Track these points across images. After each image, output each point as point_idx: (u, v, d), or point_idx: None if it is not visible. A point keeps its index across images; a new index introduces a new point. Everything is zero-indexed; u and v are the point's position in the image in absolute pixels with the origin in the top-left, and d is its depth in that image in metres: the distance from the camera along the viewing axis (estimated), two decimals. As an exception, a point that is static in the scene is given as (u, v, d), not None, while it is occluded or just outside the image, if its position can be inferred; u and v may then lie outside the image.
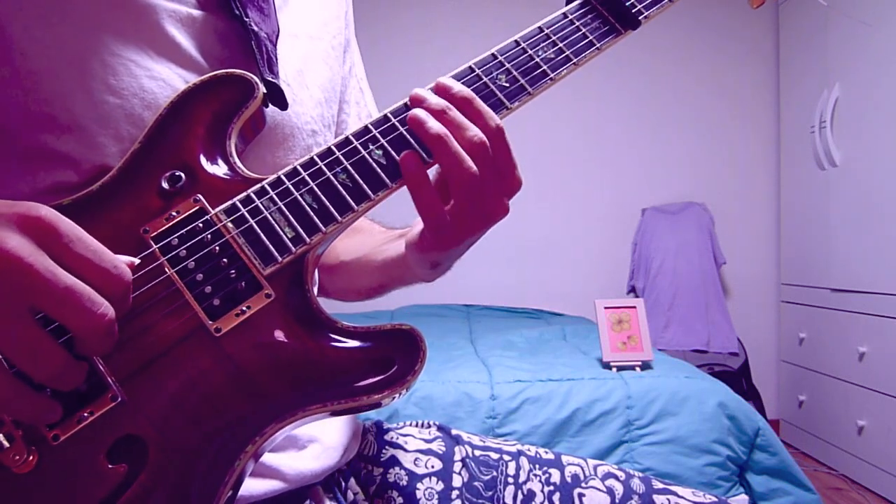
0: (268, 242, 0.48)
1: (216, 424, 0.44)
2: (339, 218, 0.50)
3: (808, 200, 2.93)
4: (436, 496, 0.65)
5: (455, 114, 0.50)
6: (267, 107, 0.56)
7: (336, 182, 0.50)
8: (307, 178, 0.50)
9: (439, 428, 0.75)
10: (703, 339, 2.93)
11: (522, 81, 0.56)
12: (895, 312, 2.32)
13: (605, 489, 0.67)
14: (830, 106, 2.65)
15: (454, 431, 0.74)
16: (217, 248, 0.48)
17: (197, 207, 0.49)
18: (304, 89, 0.63)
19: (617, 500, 0.65)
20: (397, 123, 0.53)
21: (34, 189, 0.50)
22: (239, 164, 0.52)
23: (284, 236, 0.49)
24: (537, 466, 0.69)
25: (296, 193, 0.50)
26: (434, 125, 0.49)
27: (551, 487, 0.66)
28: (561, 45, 0.59)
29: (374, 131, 0.52)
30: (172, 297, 0.46)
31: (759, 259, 3.33)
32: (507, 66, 0.57)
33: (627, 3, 0.61)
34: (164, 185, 0.50)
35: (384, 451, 0.69)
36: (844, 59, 2.62)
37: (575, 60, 0.59)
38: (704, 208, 3.22)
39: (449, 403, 1.52)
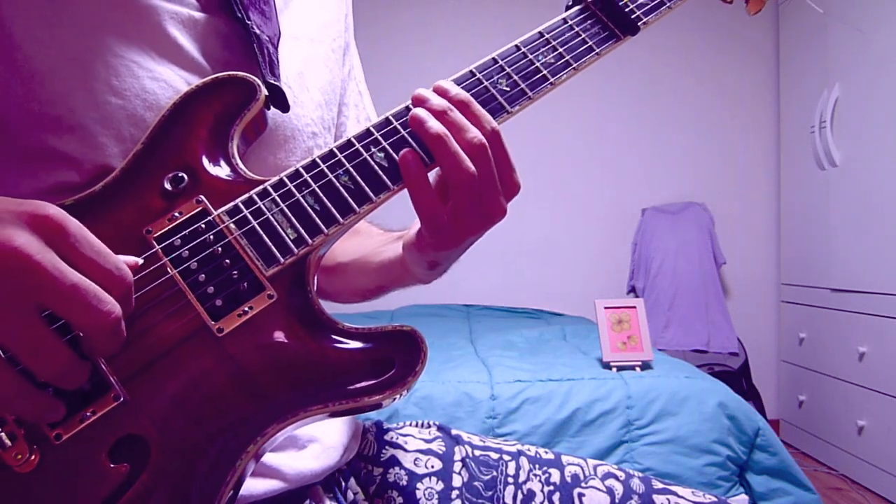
0: (270, 243, 0.49)
1: (218, 424, 0.44)
2: (340, 219, 0.50)
3: (808, 200, 2.93)
4: (436, 496, 0.65)
5: (455, 115, 0.51)
6: (269, 109, 0.57)
7: (338, 184, 0.51)
8: (309, 179, 0.51)
9: (439, 428, 0.75)
10: (703, 339, 2.93)
11: (523, 86, 0.57)
12: (895, 312, 2.32)
13: (604, 489, 0.67)
14: (830, 106, 2.65)
15: (454, 431, 0.74)
16: (219, 248, 0.48)
17: (199, 208, 0.49)
18: (304, 92, 0.64)
19: (617, 500, 0.66)
20: (399, 126, 0.53)
21: (36, 189, 0.51)
22: (241, 165, 0.52)
23: (286, 237, 0.49)
24: (537, 466, 0.69)
25: (298, 195, 0.50)
26: (434, 125, 0.50)
27: (551, 487, 0.67)
28: (561, 49, 0.59)
29: (376, 134, 0.53)
30: (175, 298, 0.46)
31: (759, 259, 3.33)
32: (508, 70, 0.57)
33: (627, 10, 0.62)
34: (167, 185, 0.50)
35: (384, 450, 0.70)
36: (844, 59, 2.62)
37: (575, 65, 0.59)
38: (704, 208, 3.22)
39: (449, 403, 1.52)
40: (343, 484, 0.67)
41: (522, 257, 3.32)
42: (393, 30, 3.31)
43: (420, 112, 0.51)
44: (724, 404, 1.53)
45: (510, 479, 0.67)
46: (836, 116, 2.65)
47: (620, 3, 0.62)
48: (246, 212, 0.49)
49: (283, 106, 0.57)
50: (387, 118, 0.54)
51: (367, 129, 0.53)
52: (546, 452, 0.72)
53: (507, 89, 0.56)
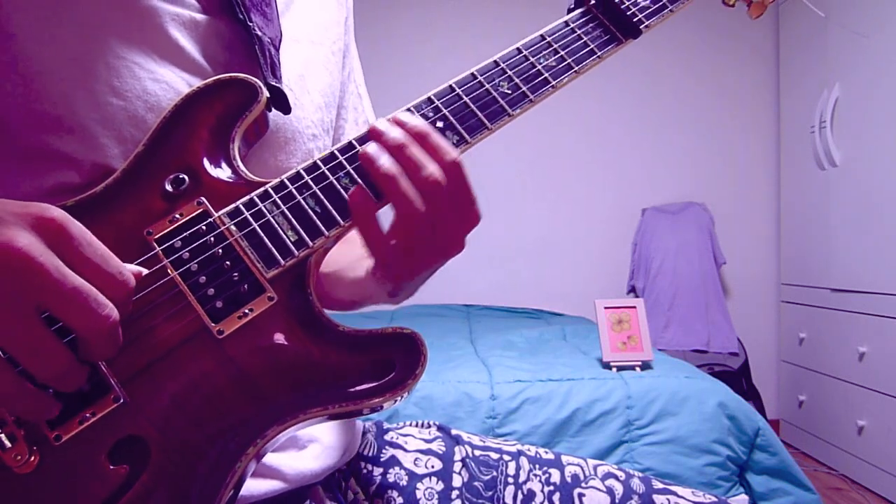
0: (270, 246, 0.49)
1: (218, 426, 0.44)
2: (341, 222, 0.50)
3: (808, 200, 2.93)
4: (436, 496, 0.65)
5: (411, 150, 0.49)
6: (270, 111, 0.57)
7: (339, 186, 0.51)
8: (310, 181, 0.51)
9: (439, 428, 0.75)
10: (703, 339, 2.94)
11: (524, 88, 0.57)
12: (895, 312, 2.32)
13: (604, 489, 0.67)
14: (830, 106, 2.65)
15: (454, 431, 0.74)
16: (220, 250, 0.48)
17: (200, 210, 0.49)
18: (305, 94, 0.64)
19: (617, 500, 0.66)
20: None
21: (36, 189, 0.51)
22: (242, 167, 0.53)
23: (287, 239, 0.49)
24: (537, 466, 0.69)
25: (299, 197, 0.50)
26: (385, 163, 0.49)
27: (551, 487, 0.67)
28: (562, 52, 0.59)
29: None
30: (175, 300, 0.47)
31: (759, 259, 3.33)
32: (510, 73, 0.57)
33: (629, 13, 0.62)
34: (168, 187, 0.50)
35: (384, 451, 0.70)
36: (844, 59, 2.62)
37: (576, 68, 0.59)
38: (704, 208, 3.22)
39: (449, 403, 1.52)
40: (343, 484, 0.67)
41: (522, 257, 3.32)
42: (393, 30, 3.31)
43: (370, 149, 0.49)
44: (724, 404, 1.53)
45: (510, 479, 0.67)
46: (836, 116, 2.65)
47: (622, 7, 0.62)
48: (247, 214, 0.49)
49: (285, 108, 0.57)
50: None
51: (368, 131, 0.53)
52: (546, 452, 0.72)
53: (509, 92, 0.56)
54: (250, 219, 0.49)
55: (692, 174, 3.34)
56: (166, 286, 0.47)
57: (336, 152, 0.52)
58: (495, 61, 0.57)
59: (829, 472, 2.63)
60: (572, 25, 0.61)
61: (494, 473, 0.68)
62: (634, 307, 1.83)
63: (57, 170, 0.51)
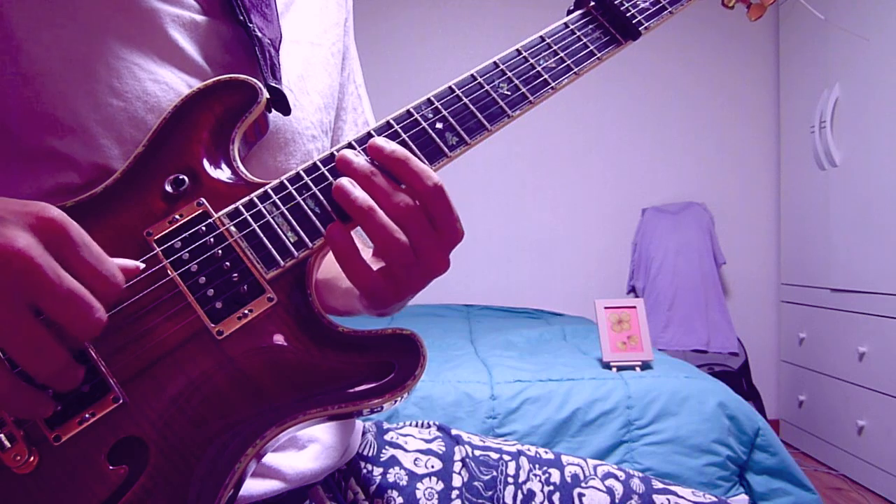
0: (270, 246, 0.49)
1: (217, 427, 0.44)
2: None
3: (808, 200, 2.93)
4: (436, 496, 0.65)
5: (380, 179, 0.48)
6: (270, 112, 0.57)
7: None
8: (310, 182, 0.51)
9: (439, 428, 0.76)
10: (703, 339, 2.94)
11: (524, 90, 0.57)
12: (895, 312, 2.32)
13: (604, 489, 0.67)
14: (830, 106, 2.65)
15: (454, 431, 0.74)
16: (220, 251, 0.48)
17: (200, 211, 0.49)
18: (304, 95, 0.64)
19: (617, 500, 0.66)
20: (400, 130, 0.53)
21: (37, 189, 0.51)
22: (242, 168, 0.53)
23: (287, 240, 0.49)
24: (537, 466, 0.69)
25: (298, 198, 0.50)
26: (359, 196, 0.48)
27: (551, 487, 0.67)
28: (562, 54, 0.59)
29: (377, 137, 0.53)
30: (175, 300, 0.47)
31: (759, 259, 3.33)
32: (509, 74, 0.57)
33: (628, 14, 0.62)
34: (168, 188, 0.50)
35: (384, 451, 0.70)
36: (844, 59, 2.62)
37: (576, 70, 0.59)
38: (704, 208, 3.22)
39: (449, 403, 1.52)
40: (343, 484, 0.67)
41: (523, 257, 3.32)
42: (393, 30, 3.31)
43: (344, 183, 0.48)
44: (724, 404, 1.53)
45: (510, 479, 0.67)
46: (836, 116, 2.65)
47: (622, 8, 0.62)
48: (246, 214, 0.49)
49: (285, 109, 0.57)
50: (387, 122, 0.54)
51: (368, 133, 0.53)
52: (546, 452, 0.72)
53: (509, 93, 0.56)
54: (250, 220, 0.49)
55: (692, 174, 3.34)
56: (166, 287, 0.47)
57: (336, 153, 0.52)
58: (495, 62, 0.58)
59: (829, 472, 2.63)
60: (572, 27, 0.61)
61: (494, 473, 0.68)
62: (634, 307, 1.83)
63: (57, 170, 0.51)
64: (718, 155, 3.35)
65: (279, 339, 0.47)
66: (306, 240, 0.49)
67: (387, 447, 0.70)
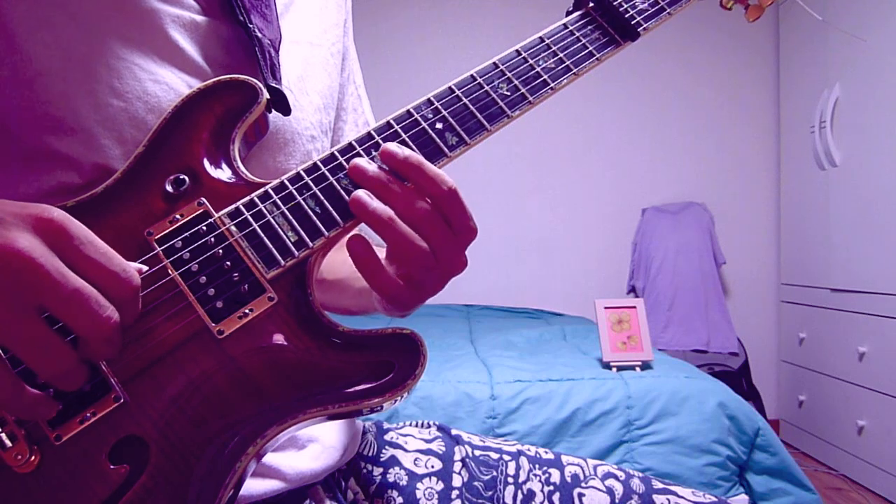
0: (271, 246, 0.49)
1: (218, 426, 0.44)
2: (341, 222, 0.50)
3: (808, 200, 2.93)
4: (436, 496, 0.65)
5: (395, 187, 0.49)
6: (270, 112, 0.57)
7: (339, 187, 0.51)
8: (310, 182, 0.51)
9: (439, 428, 0.76)
10: (703, 339, 2.94)
11: (523, 90, 0.57)
12: (895, 312, 2.32)
13: (604, 489, 0.67)
14: (830, 106, 2.65)
15: (454, 431, 0.74)
16: (220, 251, 0.48)
17: (201, 211, 0.50)
18: (304, 95, 0.64)
19: (617, 500, 0.66)
20: (400, 130, 0.53)
21: (37, 190, 0.51)
22: (242, 168, 0.53)
23: (287, 240, 0.49)
24: (537, 466, 0.69)
25: (298, 198, 0.50)
26: (378, 207, 0.48)
27: (551, 487, 0.67)
28: (561, 55, 0.60)
29: (377, 137, 0.53)
30: (176, 300, 0.47)
31: (759, 259, 3.33)
32: (509, 74, 0.57)
33: (627, 16, 0.62)
34: (169, 188, 0.50)
35: (384, 450, 0.70)
36: (844, 59, 2.62)
37: (575, 70, 0.59)
38: (704, 208, 3.23)
39: (449, 403, 1.52)
40: (343, 484, 0.67)
41: (522, 257, 3.32)
42: (393, 30, 3.31)
43: (361, 196, 0.49)
44: (724, 404, 1.53)
45: (510, 479, 0.68)
46: (836, 116, 2.65)
47: (621, 10, 0.62)
48: (247, 214, 0.50)
49: (285, 109, 0.57)
50: (388, 122, 0.54)
51: (369, 133, 0.53)
52: (546, 452, 0.72)
53: (508, 94, 0.57)
54: (250, 219, 0.49)
55: (692, 174, 3.34)
56: (167, 286, 0.47)
57: (336, 153, 0.52)
58: (494, 63, 0.58)
59: (829, 472, 2.63)
60: (571, 28, 0.61)
61: (494, 473, 0.68)
62: (634, 307, 1.83)
63: (58, 170, 0.51)
64: (718, 155, 3.35)
65: (280, 338, 0.47)
66: (307, 239, 0.49)
67: (387, 447, 0.70)
